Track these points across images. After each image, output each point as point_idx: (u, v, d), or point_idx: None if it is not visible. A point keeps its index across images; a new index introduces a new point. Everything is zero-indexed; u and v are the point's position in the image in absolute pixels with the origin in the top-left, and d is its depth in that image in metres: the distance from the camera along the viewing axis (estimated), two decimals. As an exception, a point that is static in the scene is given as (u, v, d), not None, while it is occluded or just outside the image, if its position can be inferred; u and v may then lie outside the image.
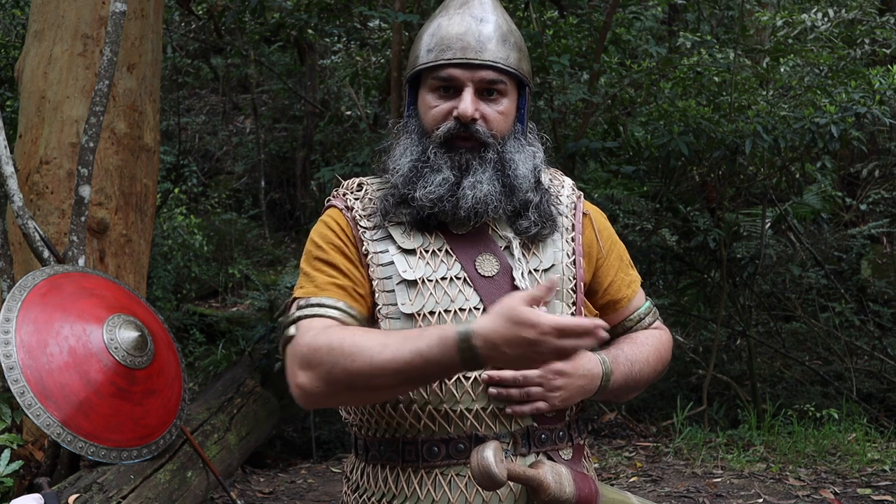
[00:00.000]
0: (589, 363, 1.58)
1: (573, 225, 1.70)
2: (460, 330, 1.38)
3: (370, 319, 1.58)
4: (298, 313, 1.54)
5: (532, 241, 1.64)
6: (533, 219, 1.62)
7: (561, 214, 1.69)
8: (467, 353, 1.36)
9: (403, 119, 1.68)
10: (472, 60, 1.58)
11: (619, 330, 1.77)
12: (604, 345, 1.73)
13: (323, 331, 1.48)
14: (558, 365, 1.53)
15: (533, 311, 1.34)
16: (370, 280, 1.59)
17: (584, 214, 1.73)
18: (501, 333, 1.34)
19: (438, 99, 1.61)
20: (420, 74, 1.64)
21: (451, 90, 1.60)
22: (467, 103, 1.57)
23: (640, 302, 1.78)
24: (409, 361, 1.39)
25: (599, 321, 1.38)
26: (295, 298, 1.58)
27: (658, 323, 1.81)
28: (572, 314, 1.63)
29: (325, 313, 1.53)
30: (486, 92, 1.60)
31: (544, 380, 1.53)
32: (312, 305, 1.54)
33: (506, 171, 1.59)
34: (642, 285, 1.83)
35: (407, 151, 1.62)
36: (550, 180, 1.74)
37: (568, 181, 1.77)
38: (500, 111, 1.60)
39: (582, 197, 1.75)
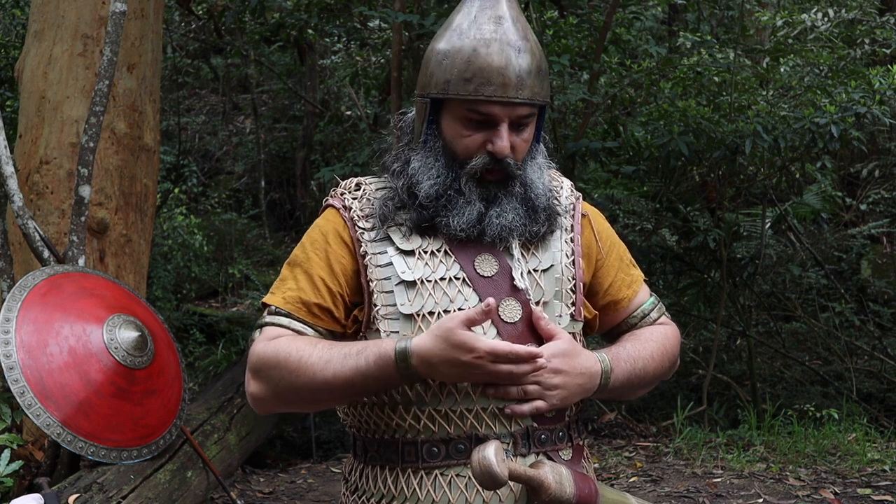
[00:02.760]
0: (587, 362, 1.58)
1: (572, 226, 1.70)
2: (398, 348, 1.47)
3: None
4: (264, 320, 1.62)
5: (531, 242, 1.64)
6: (542, 218, 1.63)
7: (560, 214, 1.69)
8: (405, 371, 1.47)
9: (422, 135, 1.64)
10: (512, 99, 1.56)
11: (624, 327, 1.76)
12: (609, 343, 1.74)
13: (273, 342, 1.56)
14: (556, 363, 1.53)
15: (469, 335, 1.44)
16: (368, 281, 1.59)
17: (583, 216, 1.73)
18: (438, 354, 1.44)
19: (470, 129, 1.59)
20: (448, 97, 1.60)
21: (487, 123, 1.58)
22: (505, 141, 1.57)
23: (643, 298, 1.77)
24: (350, 378, 1.49)
25: (535, 350, 1.47)
26: (266, 305, 1.64)
27: (664, 318, 1.80)
28: (571, 315, 1.64)
29: (284, 323, 1.60)
30: (516, 125, 1.60)
31: (541, 378, 1.53)
32: (276, 315, 1.61)
33: (528, 194, 1.62)
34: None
35: (431, 171, 1.61)
36: (550, 180, 1.73)
37: (567, 182, 1.77)
38: (524, 139, 1.62)
39: (580, 198, 1.75)
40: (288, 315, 1.60)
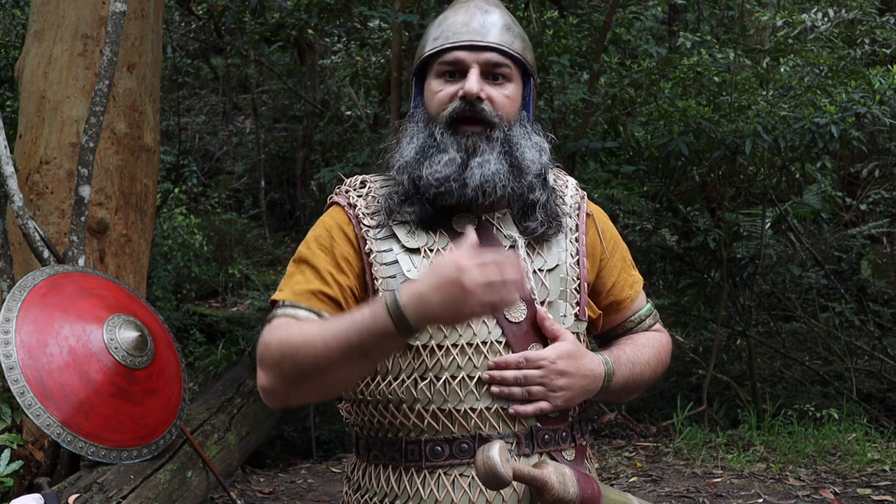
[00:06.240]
0: (591, 364, 1.58)
1: (577, 225, 1.70)
2: (388, 292, 1.42)
3: None
4: (272, 314, 1.58)
5: (537, 241, 1.64)
6: (540, 219, 1.62)
7: (565, 214, 1.69)
8: (395, 311, 1.36)
9: (410, 112, 1.69)
10: (476, 42, 1.60)
11: (620, 330, 1.77)
12: (605, 346, 1.74)
13: (276, 328, 1.51)
14: (561, 365, 1.53)
15: (454, 253, 1.37)
16: (373, 279, 1.58)
17: (588, 215, 1.73)
18: (426, 281, 1.36)
19: (444, 84, 1.62)
20: (425, 66, 1.65)
21: (457, 74, 1.61)
22: (473, 82, 1.58)
23: (641, 303, 1.78)
24: (347, 336, 1.40)
25: (511, 256, 1.38)
26: (274, 301, 1.60)
27: (658, 325, 1.81)
28: (576, 315, 1.64)
29: (290, 313, 1.55)
30: (491, 76, 1.61)
31: (546, 379, 1.53)
32: (285, 307, 1.56)
33: (513, 151, 1.60)
34: (643, 286, 1.83)
35: (413, 139, 1.62)
36: (555, 180, 1.73)
37: (571, 181, 1.77)
38: (506, 95, 1.61)
39: (585, 197, 1.75)
40: (295, 305, 1.55)
